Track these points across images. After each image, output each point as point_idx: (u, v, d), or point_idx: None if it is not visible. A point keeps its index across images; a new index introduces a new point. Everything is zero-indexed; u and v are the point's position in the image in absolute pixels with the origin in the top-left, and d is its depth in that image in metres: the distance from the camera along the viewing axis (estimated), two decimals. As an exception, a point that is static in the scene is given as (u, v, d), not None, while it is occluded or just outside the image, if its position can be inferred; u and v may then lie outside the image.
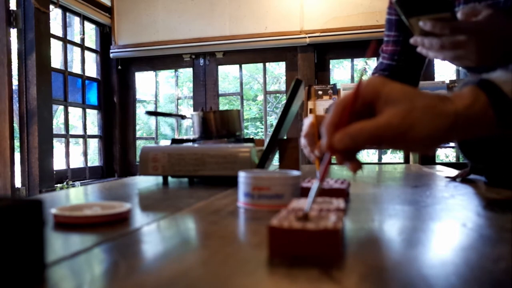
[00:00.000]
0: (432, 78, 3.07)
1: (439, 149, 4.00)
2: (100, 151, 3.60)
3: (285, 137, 0.91)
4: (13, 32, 2.63)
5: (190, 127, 2.72)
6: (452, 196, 0.66)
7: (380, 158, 3.45)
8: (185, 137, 1.05)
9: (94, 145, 3.83)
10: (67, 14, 3.25)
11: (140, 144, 3.76)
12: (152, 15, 3.46)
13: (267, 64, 3.55)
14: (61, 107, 3.26)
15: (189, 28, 3.37)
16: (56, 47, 3.08)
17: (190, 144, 0.97)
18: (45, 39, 2.76)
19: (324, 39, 3.11)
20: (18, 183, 2.66)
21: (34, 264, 0.29)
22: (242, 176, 0.57)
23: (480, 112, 0.44)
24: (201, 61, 3.50)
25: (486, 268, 0.31)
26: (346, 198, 0.61)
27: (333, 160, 0.47)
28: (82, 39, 3.39)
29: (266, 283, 0.29)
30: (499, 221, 0.48)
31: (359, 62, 4.07)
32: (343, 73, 6.70)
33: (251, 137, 1.09)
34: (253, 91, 7.36)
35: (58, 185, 2.92)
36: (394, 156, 4.95)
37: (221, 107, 4.50)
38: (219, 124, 1.00)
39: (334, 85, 3.09)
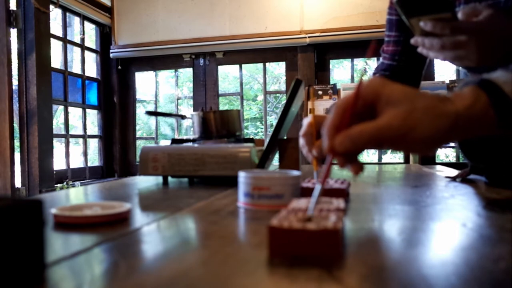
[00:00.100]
0: (432, 78, 3.07)
1: (439, 149, 4.00)
2: (100, 151, 3.60)
3: (285, 137, 0.91)
4: (13, 32, 2.63)
5: (190, 127, 2.72)
6: (452, 196, 0.66)
7: (380, 158, 3.45)
8: (185, 137, 1.05)
9: (94, 145, 3.83)
10: (67, 14, 3.25)
11: (140, 144, 3.76)
12: (152, 15, 3.46)
13: (267, 64, 3.55)
14: (61, 107, 3.26)
15: (189, 28, 3.38)
16: (56, 47, 3.08)
17: (190, 144, 0.97)
18: (45, 39, 2.76)
19: (324, 39, 3.11)
20: (18, 183, 2.66)
21: (34, 264, 0.29)
22: (242, 176, 0.57)
23: (480, 112, 0.44)
24: (201, 61, 3.50)
25: (486, 268, 0.31)
26: (346, 198, 0.61)
27: (334, 160, 0.47)
28: (82, 39, 3.39)
29: (266, 283, 0.29)
30: (499, 221, 0.48)
31: (359, 62, 4.07)
32: (343, 73, 6.70)
33: (251, 137, 1.09)
34: (253, 91, 7.36)
35: (58, 185, 2.92)
36: (394, 156, 4.95)
37: (221, 107, 4.50)
38: (219, 124, 1.00)
39: (334, 85, 3.09)
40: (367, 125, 0.44)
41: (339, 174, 1.06)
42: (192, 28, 3.37)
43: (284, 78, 3.53)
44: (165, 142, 5.26)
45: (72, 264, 0.33)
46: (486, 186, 0.77)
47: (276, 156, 0.92)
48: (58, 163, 3.03)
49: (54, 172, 2.86)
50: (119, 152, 3.63)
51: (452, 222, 0.47)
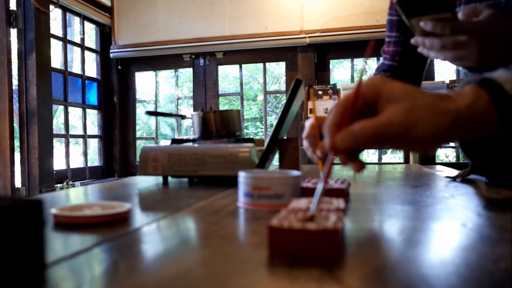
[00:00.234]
0: (432, 78, 3.08)
1: (439, 149, 3.99)
2: (100, 151, 3.60)
3: (285, 137, 0.91)
4: (13, 32, 2.63)
5: (190, 127, 2.72)
6: (452, 196, 0.66)
7: (380, 158, 3.45)
8: (185, 137, 1.05)
9: (94, 145, 3.83)
10: (67, 14, 3.25)
11: (140, 144, 3.76)
12: (152, 15, 3.46)
13: (267, 64, 3.55)
14: (61, 107, 3.26)
15: (189, 28, 3.38)
16: (56, 47, 3.08)
17: (190, 144, 0.97)
18: (45, 39, 2.76)
19: (324, 39, 3.11)
20: (18, 183, 2.66)
21: (34, 264, 0.29)
22: (242, 176, 0.57)
23: (482, 110, 0.44)
24: (201, 61, 3.50)
25: (486, 268, 0.31)
26: (346, 198, 0.61)
27: (336, 160, 0.47)
28: (82, 39, 3.39)
29: (266, 283, 0.29)
30: (499, 221, 0.48)
31: (359, 62, 4.07)
32: (343, 73, 6.70)
33: (251, 137, 1.09)
34: (253, 91, 7.36)
35: (58, 185, 2.92)
36: (394, 156, 4.95)
37: (221, 107, 4.50)
38: (219, 124, 1.00)
39: (334, 85, 3.09)
40: (368, 121, 0.44)
41: (340, 174, 1.06)
42: (192, 28, 3.37)
43: (284, 78, 3.53)
44: (165, 142, 5.26)
45: (72, 264, 0.33)
46: (486, 186, 0.77)
47: (276, 156, 0.92)
48: (58, 163, 3.03)
49: (54, 172, 2.86)
50: (119, 152, 3.63)
51: (452, 222, 0.47)
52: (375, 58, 3.29)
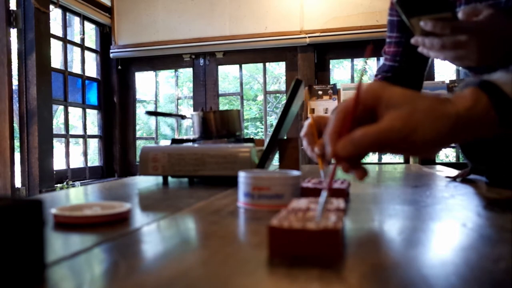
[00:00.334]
0: (432, 78, 3.07)
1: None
2: (100, 151, 3.60)
3: (285, 137, 0.91)
4: (13, 32, 2.63)
5: (190, 127, 2.72)
6: (452, 196, 0.66)
7: (380, 158, 3.45)
8: (185, 137, 1.05)
9: (94, 145, 3.83)
10: (67, 14, 3.25)
11: (140, 144, 3.76)
12: (152, 15, 3.46)
13: (267, 64, 3.55)
14: (61, 107, 3.26)
15: (189, 28, 3.38)
16: (56, 47, 3.08)
17: (190, 144, 0.97)
18: (45, 39, 2.76)
19: (324, 39, 3.10)
20: (18, 183, 2.66)
21: (34, 264, 0.29)
22: (242, 176, 0.57)
23: (481, 113, 0.44)
24: (201, 61, 3.50)
25: (486, 268, 0.31)
26: (346, 198, 0.61)
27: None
28: (82, 39, 3.39)
29: (266, 283, 0.29)
30: (499, 221, 0.48)
31: (359, 62, 4.07)
32: (343, 73, 6.70)
33: (251, 137, 1.09)
34: (253, 91, 7.36)
35: (58, 185, 2.92)
36: (394, 156, 4.95)
37: (221, 107, 4.50)
38: (219, 124, 1.00)
39: (334, 85, 3.09)
40: (369, 128, 0.44)
41: (339, 174, 1.06)
42: (192, 28, 3.37)
43: (284, 78, 3.53)
44: (165, 142, 5.26)
45: (72, 264, 0.33)
46: (486, 186, 0.77)
47: (276, 156, 0.92)
48: (58, 163, 3.03)
49: (54, 172, 2.86)
50: (119, 152, 3.63)
51: (452, 222, 0.47)
52: (375, 58, 3.30)
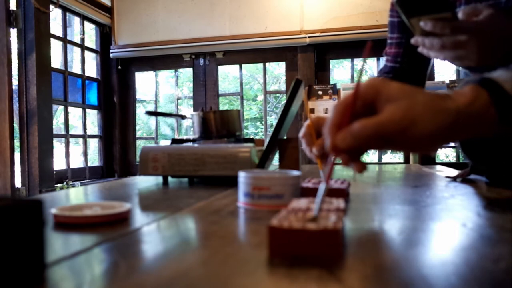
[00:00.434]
0: (432, 78, 3.07)
1: (439, 149, 4.00)
2: (100, 151, 3.60)
3: (285, 137, 0.91)
4: (13, 32, 2.63)
5: (190, 127, 2.72)
6: (452, 196, 0.66)
7: (380, 158, 3.45)
8: (185, 137, 1.05)
9: (94, 145, 3.83)
10: (67, 14, 3.25)
11: (140, 144, 3.76)
12: (152, 15, 3.46)
13: (267, 64, 3.55)
14: (61, 107, 3.26)
15: (189, 28, 3.38)
16: (56, 47, 3.08)
17: (190, 144, 0.97)
18: (45, 39, 2.76)
19: (324, 39, 3.11)
20: (18, 183, 2.66)
21: (34, 264, 0.29)
22: (242, 176, 0.57)
23: (481, 110, 0.44)
24: (201, 61, 3.50)
25: (486, 268, 0.31)
26: (346, 198, 0.61)
27: (337, 160, 0.47)
28: (82, 39, 3.39)
29: (266, 283, 0.29)
30: (499, 221, 0.48)
31: (359, 62, 4.07)
32: (343, 73, 6.70)
33: (251, 137, 1.09)
34: (253, 91, 7.36)
35: (58, 185, 2.92)
36: (394, 156, 4.95)
37: (221, 107, 4.50)
38: (219, 124, 1.00)
39: (334, 85, 3.09)
40: (368, 120, 0.44)
41: (340, 174, 1.06)
42: (192, 28, 3.37)
43: (284, 78, 3.53)
44: (165, 142, 5.26)
45: (72, 264, 0.33)
46: (486, 186, 0.77)
47: (276, 156, 0.92)
48: (58, 163, 3.03)
49: (54, 172, 2.86)
50: (119, 152, 3.63)
51: (452, 222, 0.47)
52: (375, 58, 3.30)
